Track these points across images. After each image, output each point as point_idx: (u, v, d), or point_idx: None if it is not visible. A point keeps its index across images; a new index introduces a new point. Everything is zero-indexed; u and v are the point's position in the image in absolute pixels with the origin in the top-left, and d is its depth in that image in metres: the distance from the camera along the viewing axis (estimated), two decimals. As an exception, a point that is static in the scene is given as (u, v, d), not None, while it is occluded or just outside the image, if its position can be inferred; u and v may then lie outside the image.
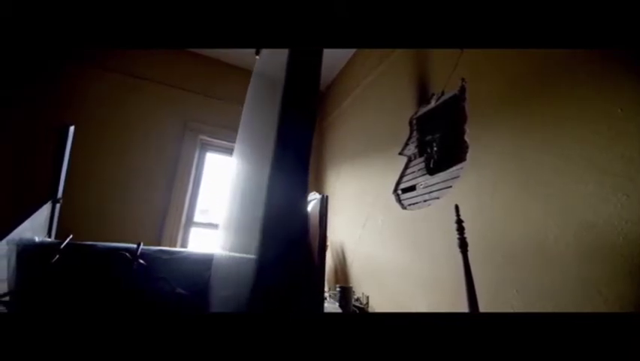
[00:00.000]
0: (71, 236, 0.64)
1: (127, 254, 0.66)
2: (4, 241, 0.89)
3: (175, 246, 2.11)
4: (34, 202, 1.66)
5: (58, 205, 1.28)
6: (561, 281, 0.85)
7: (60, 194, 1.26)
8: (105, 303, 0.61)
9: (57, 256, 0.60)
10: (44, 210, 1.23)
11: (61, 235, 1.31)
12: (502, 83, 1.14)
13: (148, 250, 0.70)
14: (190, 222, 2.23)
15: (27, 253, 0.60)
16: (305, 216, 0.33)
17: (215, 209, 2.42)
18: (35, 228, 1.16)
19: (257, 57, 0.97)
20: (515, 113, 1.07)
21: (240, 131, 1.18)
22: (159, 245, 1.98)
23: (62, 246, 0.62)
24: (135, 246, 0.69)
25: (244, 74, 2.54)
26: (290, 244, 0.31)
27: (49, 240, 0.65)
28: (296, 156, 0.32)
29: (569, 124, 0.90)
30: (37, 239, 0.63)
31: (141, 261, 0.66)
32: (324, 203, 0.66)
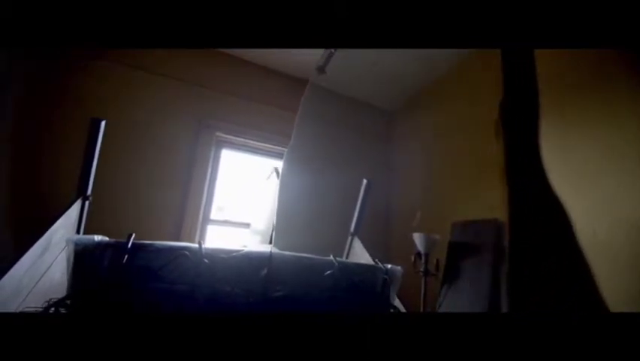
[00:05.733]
0: (134, 235, 0.63)
1: (187, 253, 0.65)
2: (57, 240, 0.87)
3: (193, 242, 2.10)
4: (33, 202, 1.63)
5: (87, 203, 1.26)
6: (613, 281, 0.85)
7: (90, 191, 1.24)
8: (179, 305, 0.60)
9: (126, 256, 0.58)
10: (75, 208, 1.21)
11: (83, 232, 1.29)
12: (542, 80, 1.12)
13: (206, 249, 0.69)
14: (207, 219, 2.22)
15: (89, 252, 0.58)
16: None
17: (232, 207, 2.41)
18: (67, 226, 1.14)
19: (332, 51, 0.94)
20: (561, 110, 1.05)
21: (308, 141, 1.11)
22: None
23: (129, 245, 0.60)
24: (196, 245, 0.68)
25: (260, 70, 2.51)
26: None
27: (107, 239, 0.63)
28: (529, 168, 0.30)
29: (622, 122, 0.89)
30: (96, 238, 0.61)
31: (205, 260, 0.65)
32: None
